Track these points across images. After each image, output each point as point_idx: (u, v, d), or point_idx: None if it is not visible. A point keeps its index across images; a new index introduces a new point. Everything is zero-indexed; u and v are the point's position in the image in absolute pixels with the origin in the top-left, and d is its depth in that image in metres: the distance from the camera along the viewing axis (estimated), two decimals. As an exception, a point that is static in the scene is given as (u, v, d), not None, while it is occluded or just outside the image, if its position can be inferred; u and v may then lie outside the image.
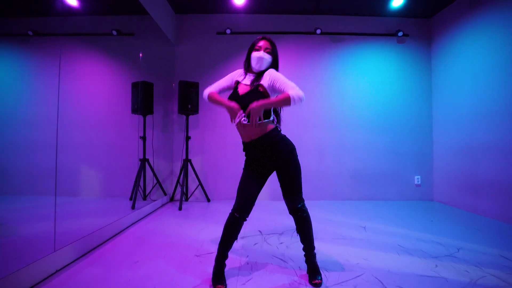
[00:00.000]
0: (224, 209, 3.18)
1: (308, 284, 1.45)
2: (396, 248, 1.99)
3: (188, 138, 3.43)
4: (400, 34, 3.65)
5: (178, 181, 3.45)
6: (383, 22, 3.76)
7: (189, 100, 3.34)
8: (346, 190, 3.70)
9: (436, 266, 1.70)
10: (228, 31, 3.61)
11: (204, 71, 3.73)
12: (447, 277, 1.54)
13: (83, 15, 3.14)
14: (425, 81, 3.78)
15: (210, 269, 1.56)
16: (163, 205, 3.36)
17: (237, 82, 1.56)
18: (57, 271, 1.58)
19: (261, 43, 1.51)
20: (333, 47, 3.76)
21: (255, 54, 1.49)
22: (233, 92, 1.52)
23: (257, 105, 1.32)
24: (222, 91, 1.60)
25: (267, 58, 1.49)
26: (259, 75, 1.49)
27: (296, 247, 1.98)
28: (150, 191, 3.43)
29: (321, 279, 1.44)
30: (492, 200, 2.85)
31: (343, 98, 3.74)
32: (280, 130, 1.54)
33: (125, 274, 1.55)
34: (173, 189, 3.63)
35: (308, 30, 3.72)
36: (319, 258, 1.69)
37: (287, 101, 1.33)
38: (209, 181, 3.68)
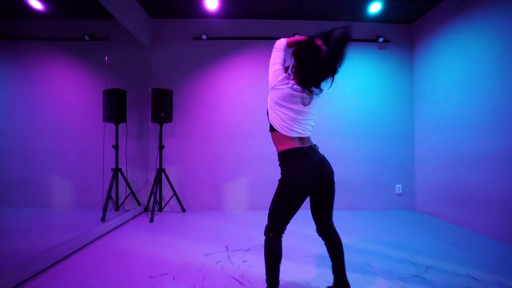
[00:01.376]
0: (197, 219, 3.08)
1: (257, 313, 1.36)
2: (363, 268, 1.90)
3: (162, 147, 3.33)
4: (381, 40, 3.59)
5: (152, 191, 3.34)
6: (364, 27, 3.69)
7: (162, 108, 3.25)
8: (326, 200, 3.62)
9: (401, 289, 1.62)
10: (204, 36, 3.52)
11: (181, 77, 3.63)
12: (408, 303, 1.46)
13: (54, 19, 3.04)
14: (407, 88, 3.72)
15: (156, 297, 1.46)
16: (135, 216, 3.25)
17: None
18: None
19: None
20: (313, 53, 3.68)
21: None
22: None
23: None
24: None
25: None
26: None
27: (259, 266, 1.89)
28: (123, 202, 3.32)
29: None
30: (472, 213, 2.78)
31: (324, 106, 3.66)
32: None
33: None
34: (147, 199, 3.52)
35: (287, 35, 3.64)
36: (282, 280, 1.60)
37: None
38: (185, 191, 3.57)
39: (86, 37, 3.28)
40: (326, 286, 1.61)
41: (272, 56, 1.43)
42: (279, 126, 1.36)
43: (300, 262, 1.97)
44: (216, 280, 1.70)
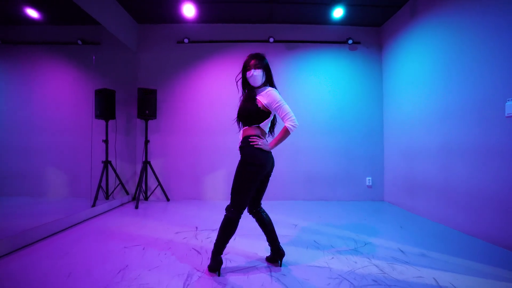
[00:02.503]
0: (178, 207, 3.39)
1: (198, 270, 1.66)
2: (310, 244, 2.18)
3: (147, 141, 3.65)
4: (350, 42, 3.86)
5: (139, 182, 3.66)
6: (335, 30, 3.96)
7: (147, 106, 3.56)
8: (300, 192, 3.90)
9: (332, 258, 1.90)
10: (186, 40, 3.84)
11: (165, 78, 3.95)
12: (332, 267, 1.74)
13: (49, 25, 3.37)
14: (376, 87, 3.99)
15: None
16: (123, 204, 3.57)
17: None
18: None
19: (251, 62, 1.69)
20: (288, 55, 3.97)
21: (248, 74, 1.69)
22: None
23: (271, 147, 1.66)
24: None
25: (259, 73, 1.67)
26: (257, 89, 1.71)
27: (218, 241, 2.19)
28: (113, 191, 3.64)
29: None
30: (423, 200, 3.04)
31: (298, 102, 3.94)
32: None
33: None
34: (135, 189, 3.85)
35: (262, 39, 3.94)
36: (232, 251, 1.89)
37: (287, 133, 1.64)
38: (169, 182, 3.89)
39: (79, 42, 3.62)
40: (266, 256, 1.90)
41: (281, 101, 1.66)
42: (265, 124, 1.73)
43: (255, 239, 2.26)
44: (178, 250, 2.00)
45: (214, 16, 3.78)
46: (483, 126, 2.30)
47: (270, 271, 1.67)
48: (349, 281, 1.55)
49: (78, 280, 1.53)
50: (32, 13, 3.00)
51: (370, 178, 3.92)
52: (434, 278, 1.58)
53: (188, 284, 1.50)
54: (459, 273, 1.66)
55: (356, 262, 1.81)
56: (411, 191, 3.27)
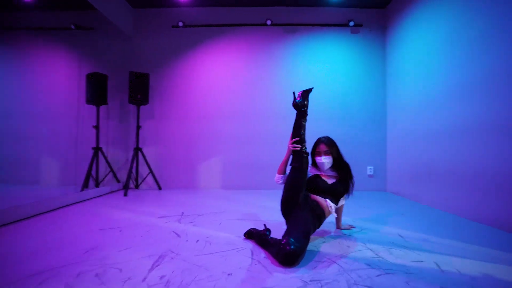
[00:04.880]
0: (170, 195, 3.26)
1: (173, 252, 1.51)
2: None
3: (139, 127, 3.53)
4: (352, 24, 3.67)
5: (130, 170, 3.55)
6: (336, 12, 3.77)
7: (139, 90, 3.44)
8: (298, 180, 3.72)
9: (324, 242, 1.72)
10: (180, 24, 3.70)
11: (160, 63, 3.83)
12: (321, 250, 1.57)
13: (43, 10, 3.28)
14: (379, 71, 3.78)
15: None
16: (112, 192, 3.46)
17: (318, 175, 1.86)
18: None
19: (320, 148, 1.82)
20: (286, 39, 3.80)
21: (318, 160, 1.83)
22: (320, 181, 1.82)
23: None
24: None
25: (328, 160, 1.80)
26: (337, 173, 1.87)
27: (202, 226, 2.04)
28: (103, 179, 3.54)
29: None
30: (428, 188, 2.83)
31: (298, 88, 3.74)
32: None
33: None
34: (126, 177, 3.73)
35: (259, 22, 3.78)
36: (214, 234, 1.74)
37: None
38: (163, 170, 3.76)
39: (72, 26, 3.52)
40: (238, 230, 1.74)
41: None
42: None
43: (248, 225, 2.11)
44: (157, 233, 1.86)
45: (210, -1, 3.64)
46: (496, 103, 2.09)
47: (252, 253, 1.51)
48: (338, 264, 1.38)
49: (39, 259, 1.40)
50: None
51: (371, 167, 3.72)
52: (435, 262, 1.40)
53: (157, 265, 1.35)
54: (464, 257, 1.46)
55: (349, 247, 1.64)
56: (416, 179, 3.06)
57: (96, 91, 3.38)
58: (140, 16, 3.87)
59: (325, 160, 1.79)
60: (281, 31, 3.81)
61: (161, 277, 1.22)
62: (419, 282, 1.19)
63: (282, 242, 1.38)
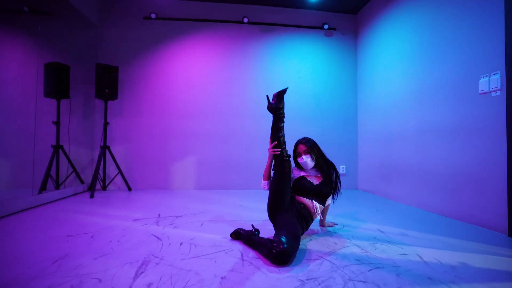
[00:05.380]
0: (142, 196, 3.07)
1: (156, 256, 1.41)
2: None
3: (106, 124, 3.27)
4: (326, 27, 3.77)
5: (97, 170, 3.27)
6: (312, 15, 3.85)
7: (107, 84, 3.19)
8: (274, 179, 3.73)
9: (310, 240, 1.73)
10: (153, 15, 3.51)
11: (130, 56, 3.59)
12: (310, 249, 1.57)
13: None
14: (351, 74, 3.94)
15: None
16: (76, 194, 3.17)
17: (303, 176, 1.81)
18: None
19: (299, 148, 1.82)
20: (263, 38, 3.79)
21: (299, 160, 1.82)
22: (306, 182, 1.78)
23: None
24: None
25: (309, 159, 1.79)
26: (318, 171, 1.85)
27: (184, 227, 1.94)
28: (65, 180, 3.22)
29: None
30: (397, 185, 3.00)
31: (273, 88, 3.77)
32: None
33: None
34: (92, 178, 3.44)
35: (236, 19, 3.72)
36: (198, 236, 1.65)
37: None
38: (133, 170, 3.53)
39: (25, 9, 3.15)
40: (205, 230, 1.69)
41: None
42: None
43: (231, 225, 2.04)
44: (135, 237, 1.72)
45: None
46: (458, 105, 2.27)
47: (242, 254, 1.46)
48: (330, 261, 1.38)
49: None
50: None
51: (344, 166, 3.86)
52: (417, 255, 1.47)
53: (141, 272, 1.24)
54: (442, 249, 1.56)
55: (336, 243, 1.66)
56: (386, 177, 3.23)
57: (57, 83, 3.07)
58: (107, 2, 3.59)
59: (306, 159, 1.78)
60: (258, 30, 3.79)
61: (149, 285, 1.12)
62: (408, 274, 1.24)
63: (275, 241, 1.35)
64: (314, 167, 1.85)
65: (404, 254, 1.48)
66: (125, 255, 1.42)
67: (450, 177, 2.33)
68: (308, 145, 1.81)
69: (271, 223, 1.83)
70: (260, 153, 3.70)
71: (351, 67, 3.94)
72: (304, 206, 1.71)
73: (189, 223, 2.05)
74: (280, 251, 1.30)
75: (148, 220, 2.11)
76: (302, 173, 1.85)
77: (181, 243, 1.61)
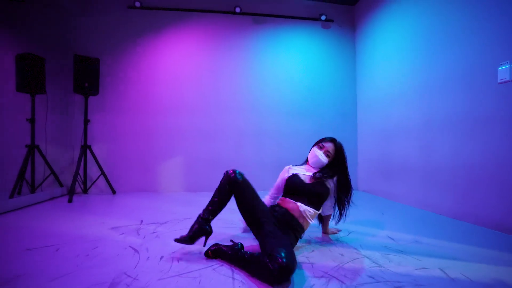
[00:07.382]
0: (126, 200, 2.80)
1: (129, 276, 1.16)
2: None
3: (87, 121, 2.99)
4: (323, 18, 3.55)
5: (77, 171, 2.99)
6: (308, 6, 3.63)
7: (86, 77, 2.91)
8: (267, 181, 3.49)
9: (313, 251, 1.50)
10: (137, 4, 3.24)
11: (112, 48, 3.33)
12: (314, 262, 1.34)
13: None
14: (349, 68, 3.73)
15: None
16: (54, 198, 2.89)
17: (295, 174, 1.60)
18: None
19: (326, 144, 1.60)
20: (256, 29, 3.56)
21: (315, 151, 1.61)
22: (297, 179, 1.56)
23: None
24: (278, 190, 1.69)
25: (323, 160, 1.58)
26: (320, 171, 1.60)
27: (167, 236, 1.69)
28: (41, 183, 2.93)
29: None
30: (399, 184, 2.80)
31: (266, 81, 3.55)
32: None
33: None
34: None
35: (228, 9, 3.48)
36: (182, 250, 1.41)
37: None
38: (117, 172, 3.27)
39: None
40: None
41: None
42: None
43: (222, 233, 1.80)
44: (108, 250, 1.46)
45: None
46: (471, 96, 2.06)
47: (233, 272, 1.22)
48: (338, 279, 1.15)
49: None
50: None
51: (344, 165, 3.64)
52: (440, 269, 1.25)
53: (107, 298, 0.99)
54: (466, 261, 1.34)
55: (343, 255, 1.43)
56: (388, 176, 3.02)
57: (30, 76, 2.78)
58: (88, -9, 3.32)
59: (321, 157, 1.58)
60: (251, 20, 3.55)
61: (112, 319, 0.87)
62: (435, 296, 1.02)
63: (275, 255, 1.10)
64: (319, 172, 1.59)
65: (424, 268, 1.26)
66: (91, 275, 1.17)
67: (462, 174, 2.12)
68: (337, 151, 1.61)
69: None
70: (253, 152, 3.46)
71: (350, 60, 3.73)
72: (287, 211, 1.47)
73: (173, 231, 1.80)
74: (283, 266, 1.05)
75: (128, 228, 1.85)
76: (296, 172, 1.62)
77: (161, 257, 1.37)
